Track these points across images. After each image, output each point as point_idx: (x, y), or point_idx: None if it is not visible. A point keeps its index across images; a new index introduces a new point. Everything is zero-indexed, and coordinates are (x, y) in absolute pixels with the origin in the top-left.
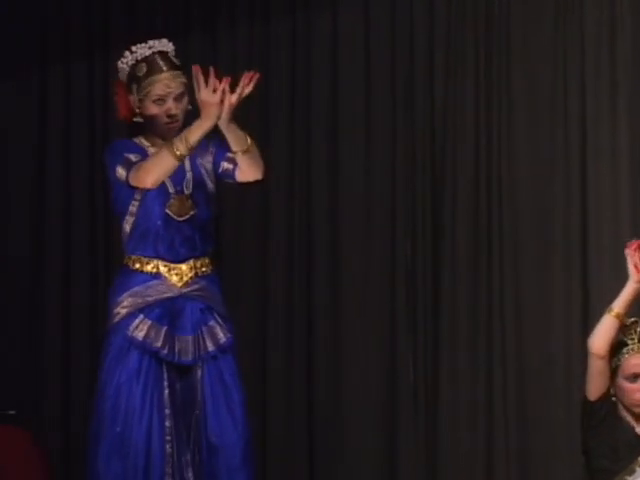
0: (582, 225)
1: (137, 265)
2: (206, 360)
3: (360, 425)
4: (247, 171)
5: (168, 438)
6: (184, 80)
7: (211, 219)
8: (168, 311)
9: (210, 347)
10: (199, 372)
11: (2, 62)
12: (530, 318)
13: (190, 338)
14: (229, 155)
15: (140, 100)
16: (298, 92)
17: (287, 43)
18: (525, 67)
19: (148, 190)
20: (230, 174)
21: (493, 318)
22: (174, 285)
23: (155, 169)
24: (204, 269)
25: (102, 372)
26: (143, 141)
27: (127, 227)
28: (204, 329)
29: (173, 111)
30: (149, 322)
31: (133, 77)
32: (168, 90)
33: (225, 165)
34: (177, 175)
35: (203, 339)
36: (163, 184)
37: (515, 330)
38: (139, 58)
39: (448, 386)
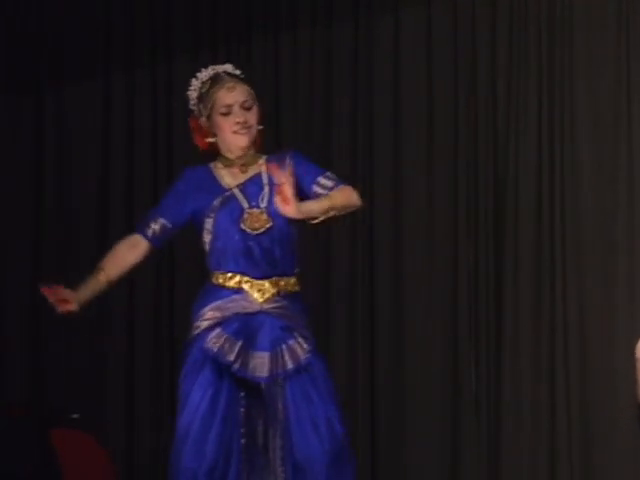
0: None
1: (220, 280)
2: (288, 378)
3: (423, 426)
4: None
5: (243, 457)
6: (250, 89)
7: (291, 234)
8: (246, 326)
9: (290, 365)
10: (279, 390)
11: (68, 66)
12: (593, 319)
13: (267, 355)
14: (320, 180)
15: (208, 117)
16: (360, 93)
17: (349, 45)
18: (587, 69)
19: (219, 208)
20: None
21: (556, 319)
22: (255, 300)
23: None
24: (288, 288)
25: (179, 385)
26: (218, 165)
27: (206, 244)
28: (284, 347)
29: (240, 118)
30: (225, 335)
31: (199, 97)
32: (234, 98)
33: (316, 190)
34: (253, 190)
35: (282, 357)
36: (236, 200)
37: (578, 331)
38: (204, 79)
39: (510, 387)
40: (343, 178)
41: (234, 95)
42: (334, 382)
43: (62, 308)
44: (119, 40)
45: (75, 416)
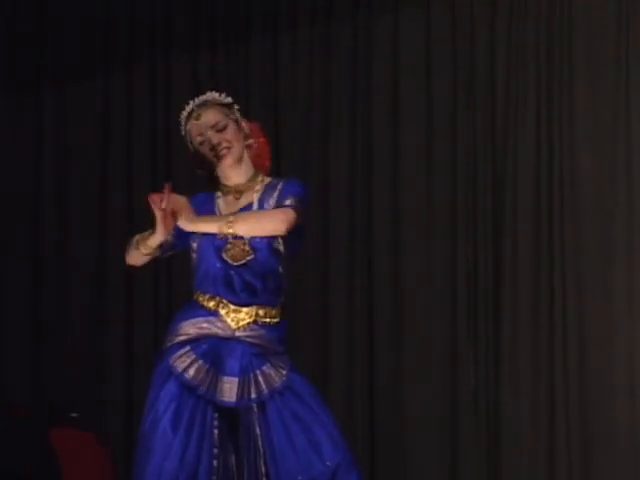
0: None
1: (200, 299)
2: (269, 402)
3: (423, 426)
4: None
5: (214, 478)
6: (223, 110)
7: (275, 265)
8: (215, 349)
9: (265, 391)
10: (255, 417)
11: (68, 66)
12: (592, 319)
13: (236, 380)
14: (285, 200)
15: (195, 150)
16: (359, 93)
17: (348, 44)
18: (587, 69)
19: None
20: None
21: (554, 318)
22: (228, 326)
23: (129, 257)
24: (267, 319)
25: (147, 396)
26: (217, 193)
27: (193, 263)
28: (258, 373)
29: (214, 140)
30: (193, 356)
31: (185, 135)
32: (203, 126)
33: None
34: None
35: (256, 383)
36: None
37: (577, 330)
38: (184, 117)
39: (509, 387)
40: (342, 178)
41: (202, 122)
42: (321, 395)
43: (165, 222)
44: (119, 40)
45: (74, 415)
